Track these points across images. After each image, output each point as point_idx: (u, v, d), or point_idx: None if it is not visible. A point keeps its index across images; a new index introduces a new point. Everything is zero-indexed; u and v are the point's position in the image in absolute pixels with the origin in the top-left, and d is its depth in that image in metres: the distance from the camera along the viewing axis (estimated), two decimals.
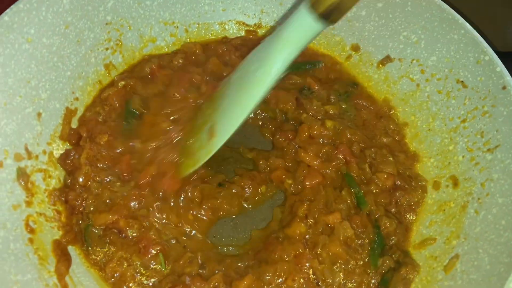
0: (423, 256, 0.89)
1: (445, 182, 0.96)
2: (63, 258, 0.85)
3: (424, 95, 1.06)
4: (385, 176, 0.96)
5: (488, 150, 0.89)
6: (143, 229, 0.90)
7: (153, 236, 0.89)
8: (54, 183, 0.95)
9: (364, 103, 1.12)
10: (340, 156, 0.99)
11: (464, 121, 0.97)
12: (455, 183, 0.94)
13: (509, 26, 1.25)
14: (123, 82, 1.08)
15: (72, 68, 1.03)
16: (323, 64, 1.18)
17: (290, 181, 0.98)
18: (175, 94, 1.06)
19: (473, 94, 0.95)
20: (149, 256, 0.87)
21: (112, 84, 1.10)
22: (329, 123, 1.02)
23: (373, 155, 1.00)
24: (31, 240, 0.83)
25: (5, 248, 0.77)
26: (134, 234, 0.90)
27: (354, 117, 1.09)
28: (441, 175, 0.98)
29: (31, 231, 0.84)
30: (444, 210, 0.93)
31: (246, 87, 0.87)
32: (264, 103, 1.06)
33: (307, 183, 0.96)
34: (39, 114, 0.95)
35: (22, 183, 0.88)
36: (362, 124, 1.08)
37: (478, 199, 0.87)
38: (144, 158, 0.98)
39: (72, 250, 0.89)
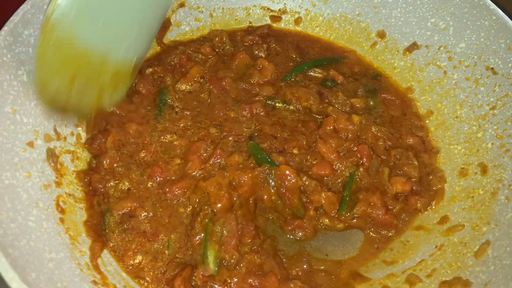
0: (451, 242, 0.88)
1: (474, 169, 0.95)
2: (98, 239, 0.85)
3: (451, 82, 1.05)
4: (404, 180, 0.96)
5: None
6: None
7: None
8: (82, 165, 0.96)
9: (390, 97, 1.11)
10: (358, 155, 0.98)
11: (493, 108, 0.96)
12: (484, 170, 0.93)
13: None
14: (150, 70, 1.09)
15: None
16: (345, 60, 1.18)
17: (296, 151, 0.99)
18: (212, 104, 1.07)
19: (504, 80, 0.94)
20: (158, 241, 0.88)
21: (140, 71, 1.10)
22: (356, 118, 1.02)
23: (398, 156, 1.00)
24: (62, 220, 0.83)
25: (39, 226, 0.77)
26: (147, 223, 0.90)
27: (382, 113, 1.09)
28: (469, 162, 0.97)
29: (62, 211, 0.85)
30: (473, 197, 0.92)
31: None
32: (283, 103, 1.07)
33: (313, 169, 0.96)
34: None
35: (52, 163, 0.89)
36: (389, 121, 1.08)
37: (510, 185, 0.86)
38: (170, 152, 0.99)
39: None
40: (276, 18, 1.24)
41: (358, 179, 0.97)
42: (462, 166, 0.98)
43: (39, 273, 0.69)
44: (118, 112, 1.01)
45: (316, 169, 0.96)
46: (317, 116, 1.06)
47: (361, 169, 0.97)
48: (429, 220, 0.95)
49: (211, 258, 0.84)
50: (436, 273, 0.85)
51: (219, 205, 0.89)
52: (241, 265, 0.84)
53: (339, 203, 0.93)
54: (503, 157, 0.90)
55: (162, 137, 1.00)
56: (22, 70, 0.86)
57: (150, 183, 0.94)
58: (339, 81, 1.12)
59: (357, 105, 1.07)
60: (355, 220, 0.93)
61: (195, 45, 1.15)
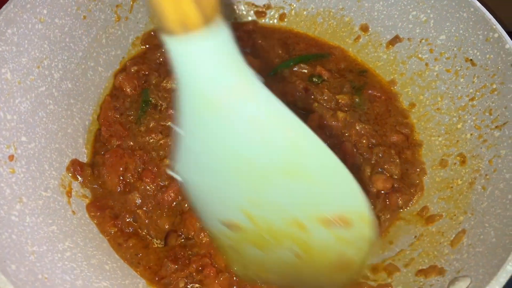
0: (430, 231, 0.89)
1: (453, 160, 0.97)
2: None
3: (433, 75, 1.06)
4: (384, 178, 0.97)
5: (496, 127, 0.90)
6: None
7: None
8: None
9: (375, 93, 1.12)
10: (340, 152, 0.99)
11: (472, 99, 0.97)
12: (463, 161, 0.94)
13: None
14: (135, 68, 1.10)
15: (84, 49, 1.05)
16: (331, 56, 1.19)
17: None
18: None
19: (482, 72, 0.95)
20: None
21: (125, 69, 1.12)
22: (340, 115, 1.03)
23: (380, 154, 1.01)
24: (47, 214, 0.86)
25: (22, 221, 0.79)
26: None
27: (367, 110, 1.10)
28: (449, 153, 0.98)
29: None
30: (452, 187, 0.93)
31: None
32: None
33: None
34: (52, 94, 0.97)
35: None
36: (374, 118, 1.09)
37: (486, 175, 0.87)
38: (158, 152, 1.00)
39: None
40: (261, 14, 1.25)
41: None
42: (442, 157, 0.99)
43: (20, 265, 0.71)
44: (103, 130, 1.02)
45: None
46: (302, 112, 1.07)
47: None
48: (409, 211, 0.96)
49: None
50: (414, 262, 0.86)
51: None
52: None
53: None
54: (481, 148, 0.91)
55: (148, 138, 1.01)
56: (6, 68, 0.88)
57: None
58: (325, 77, 1.13)
59: (343, 102, 1.08)
60: None
61: None
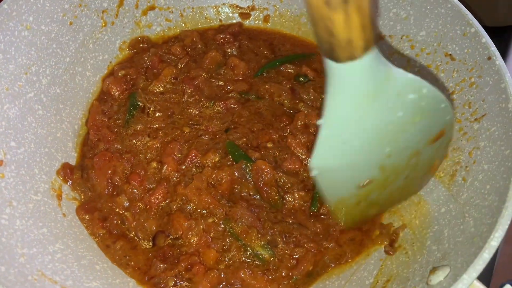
0: (413, 223, 0.91)
1: None
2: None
3: (414, 70, 1.08)
4: None
5: (475, 119, 0.91)
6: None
7: None
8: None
9: None
10: None
11: (452, 93, 0.99)
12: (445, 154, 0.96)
13: (498, 1, 1.26)
14: (123, 72, 1.12)
15: (71, 54, 1.07)
16: (316, 56, 1.21)
17: (270, 145, 1.01)
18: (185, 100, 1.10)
19: (461, 66, 0.97)
20: None
21: (112, 73, 1.14)
22: None
23: None
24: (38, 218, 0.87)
25: (12, 224, 0.81)
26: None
27: None
28: None
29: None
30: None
31: None
32: (258, 98, 1.10)
33: (284, 164, 0.98)
34: (40, 99, 0.99)
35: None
36: None
37: (466, 167, 0.89)
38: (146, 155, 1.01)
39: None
40: (245, 15, 1.27)
41: None
42: None
43: (9, 267, 0.73)
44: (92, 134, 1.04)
45: (287, 164, 0.99)
46: (290, 110, 1.09)
47: None
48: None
49: (261, 250, 0.89)
50: (398, 252, 0.88)
51: (204, 211, 0.92)
52: (278, 237, 0.90)
53: (311, 200, 0.96)
54: (461, 140, 0.93)
55: (135, 141, 1.03)
56: None
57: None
58: (311, 77, 1.15)
59: None
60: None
61: (166, 46, 1.18)
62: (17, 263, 0.75)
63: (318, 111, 1.05)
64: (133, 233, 0.93)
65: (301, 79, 1.14)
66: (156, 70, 1.14)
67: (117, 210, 0.94)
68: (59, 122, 1.03)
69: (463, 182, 0.88)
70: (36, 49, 0.99)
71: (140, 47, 1.19)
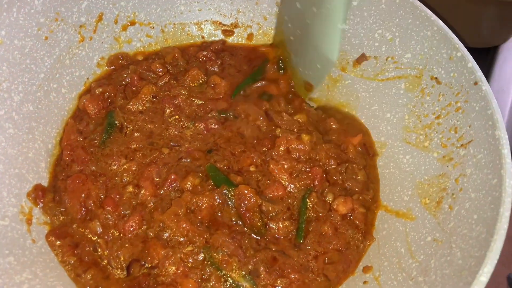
0: (398, 251, 0.89)
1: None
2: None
3: (399, 93, 1.06)
4: (343, 200, 0.96)
5: (462, 145, 0.90)
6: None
7: None
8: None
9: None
10: (311, 176, 0.98)
11: (438, 117, 0.97)
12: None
13: (481, 23, 1.26)
14: (100, 89, 1.08)
15: (46, 70, 1.02)
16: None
17: (253, 169, 0.98)
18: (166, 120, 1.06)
19: (447, 90, 0.96)
20: None
21: (89, 90, 1.09)
22: (305, 137, 1.02)
23: (343, 170, 1.01)
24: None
25: None
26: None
27: (323, 120, 1.11)
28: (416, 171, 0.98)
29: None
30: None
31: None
32: (235, 118, 1.07)
33: (267, 191, 0.95)
34: (11, 117, 0.94)
35: None
36: (329, 129, 1.09)
37: (452, 194, 0.87)
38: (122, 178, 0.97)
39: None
40: (228, 33, 1.25)
41: (310, 205, 0.96)
42: (411, 176, 0.99)
43: None
44: (66, 154, 0.99)
45: (270, 190, 0.96)
46: (269, 135, 1.05)
47: (314, 193, 0.97)
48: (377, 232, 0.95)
49: (243, 281, 0.85)
50: (383, 283, 0.85)
51: (182, 238, 0.88)
52: (261, 266, 0.86)
53: (296, 230, 0.93)
54: (447, 166, 0.91)
55: (111, 162, 0.98)
56: None
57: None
58: (273, 94, 1.13)
59: (300, 120, 1.07)
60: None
61: (146, 63, 1.14)
62: None
63: (297, 134, 1.02)
64: (105, 261, 0.88)
65: (264, 97, 1.11)
66: (135, 88, 1.10)
67: (89, 236, 0.90)
68: (32, 141, 0.98)
69: (449, 210, 0.86)
70: (8, 64, 0.94)
71: (119, 64, 1.15)
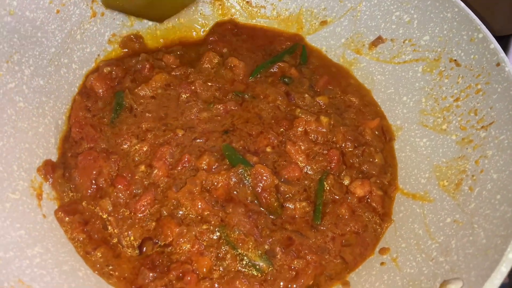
0: (417, 233, 0.87)
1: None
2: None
3: (416, 75, 1.05)
4: (360, 183, 0.94)
5: (482, 127, 0.89)
6: None
7: None
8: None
9: (351, 98, 1.10)
10: (327, 158, 0.97)
11: (457, 99, 0.96)
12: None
13: (501, 11, 1.25)
14: (108, 68, 1.05)
15: (57, 45, 1.00)
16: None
17: (269, 150, 0.96)
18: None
19: (467, 72, 0.94)
20: None
21: (97, 69, 1.07)
22: (324, 120, 1.00)
23: (359, 153, 1.00)
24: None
25: None
26: None
27: (343, 101, 1.09)
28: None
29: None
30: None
31: None
32: (254, 99, 1.04)
33: (284, 172, 0.94)
34: (22, 91, 0.92)
35: None
36: (354, 118, 1.07)
37: (472, 176, 0.86)
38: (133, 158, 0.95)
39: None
40: (243, 11, 1.22)
41: (327, 187, 0.94)
42: (428, 159, 0.97)
43: None
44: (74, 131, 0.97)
45: (286, 171, 0.94)
46: (289, 116, 1.03)
47: (331, 175, 0.95)
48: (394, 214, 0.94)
49: (259, 260, 0.83)
50: (402, 264, 0.84)
51: (197, 216, 0.87)
52: (277, 247, 0.85)
53: (313, 212, 0.91)
54: (467, 148, 0.90)
55: (121, 141, 0.96)
56: None
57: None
58: (294, 78, 1.10)
59: (322, 103, 1.06)
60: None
61: (158, 54, 1.12)
62: None
63: (317, 116, 1.01)
64: (115, 240, 0.86)
65: (285, 80, 1.09)
66: (144, 74, 1.07)
67: (100, 213, 0.87)
68: (42, 116, 0.95)
69: (469, 191, 0.85)
70: (19, 36, 0.91)
71: (133, 48, 1.13)
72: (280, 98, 1.04)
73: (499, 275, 0.64)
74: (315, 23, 1.18)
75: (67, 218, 0.87)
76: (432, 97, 1.01)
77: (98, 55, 1.09)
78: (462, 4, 0.95)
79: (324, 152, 0.97)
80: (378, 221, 0.92)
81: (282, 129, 0.99)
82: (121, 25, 1.12)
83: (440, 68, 1.00)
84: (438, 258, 0.80)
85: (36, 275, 0.74)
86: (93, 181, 0.91)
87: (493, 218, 0.75)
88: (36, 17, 0.94)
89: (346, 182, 0.96)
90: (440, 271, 0.77)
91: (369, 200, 0.94)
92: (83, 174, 0.91)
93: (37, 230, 0.82)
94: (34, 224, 0.83)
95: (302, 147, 0.97)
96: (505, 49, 1.39)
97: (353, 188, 0.94)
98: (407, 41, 1.06)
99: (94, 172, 0.91)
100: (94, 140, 0.95)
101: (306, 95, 1.06)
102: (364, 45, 1.13)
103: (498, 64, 0.88)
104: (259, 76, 1.10)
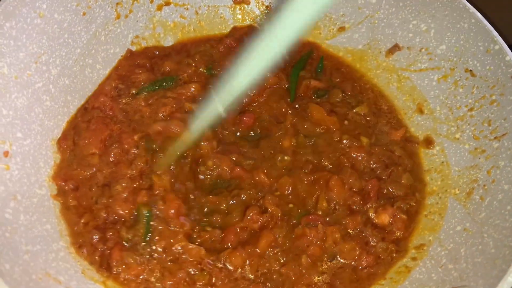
0: (427, 240, 0.89)
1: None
2: None
3: (431, 84, 1.07)
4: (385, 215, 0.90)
5: (495, 138, 0.90)
6: None
7: None
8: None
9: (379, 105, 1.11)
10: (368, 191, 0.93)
11: (471, 109, 0.97)
12: None
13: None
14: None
15: (82, 46, 1.03)
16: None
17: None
18: None
19: (482, 83, 0.96)
20: None
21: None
22: (364, 140, 1.00)
23: (388, 173, 0.97)
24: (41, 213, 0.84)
25: (16, 219, 0.78)
26: None
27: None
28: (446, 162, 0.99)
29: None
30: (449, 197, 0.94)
31: None
32: (302, 120, 1.02)
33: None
34: (48, 90, 0.95)
35: None
36: (384, 127, 1.06)
37: (484, 185, 0.88)
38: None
39: None
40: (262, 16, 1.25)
41: None
42: (441, 167, 0.99)
43: (14, 264, 0.70)
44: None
45: None
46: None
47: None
48: None
49: None
50: (412, 270, 0.86)
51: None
52: None
53: None
54: (479, 158, 0.92)
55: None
56: (3, 63, 0.86)
57: None
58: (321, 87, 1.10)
59: (361, 112, 1.06)
60: None
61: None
62: (21, 261, 0.72)
63: (356, 139, 1.00)
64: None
65: (320, 93, 1.08)
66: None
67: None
68: (67, 115, 1.00)
69: (480, 200, 0.87)
70: (47, 38, 0.95)
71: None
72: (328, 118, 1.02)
73: (506, 285, 0.66)
74: (333, 29, 1.20)
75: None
76: (446, 106, 1.03)
77: (121, 56, 1.13)
78: (479, 15, 0.97)
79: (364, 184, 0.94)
80: (393, 248, 0.89)
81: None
82: (144, 27, 1.16)
83: (456, 77, 1.02)
84: (447, 265, 0.82)
85: (61, 268, 0.78)
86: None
87: (502, 229, 0.77)
88: (63, 19, 0.98)
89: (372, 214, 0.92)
90: (448, 278, 0.79)
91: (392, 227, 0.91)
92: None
93: (61, 224, 0.86)
94: (59, 219, 0.87)
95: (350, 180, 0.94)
96: None
97: (376, 217, 0.91)
98: (423, 50, 1.08)
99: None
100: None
101: (344, 108, 1.05)
102: (380, 52, 1.15)
103: None
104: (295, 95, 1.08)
